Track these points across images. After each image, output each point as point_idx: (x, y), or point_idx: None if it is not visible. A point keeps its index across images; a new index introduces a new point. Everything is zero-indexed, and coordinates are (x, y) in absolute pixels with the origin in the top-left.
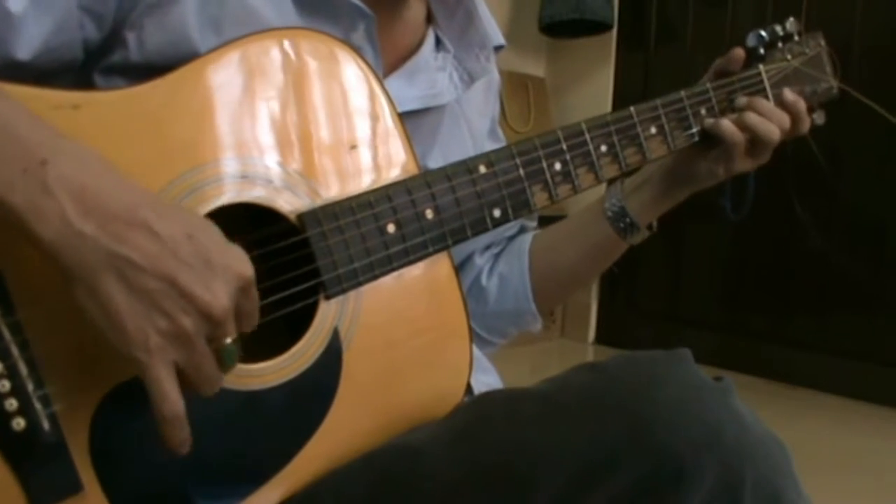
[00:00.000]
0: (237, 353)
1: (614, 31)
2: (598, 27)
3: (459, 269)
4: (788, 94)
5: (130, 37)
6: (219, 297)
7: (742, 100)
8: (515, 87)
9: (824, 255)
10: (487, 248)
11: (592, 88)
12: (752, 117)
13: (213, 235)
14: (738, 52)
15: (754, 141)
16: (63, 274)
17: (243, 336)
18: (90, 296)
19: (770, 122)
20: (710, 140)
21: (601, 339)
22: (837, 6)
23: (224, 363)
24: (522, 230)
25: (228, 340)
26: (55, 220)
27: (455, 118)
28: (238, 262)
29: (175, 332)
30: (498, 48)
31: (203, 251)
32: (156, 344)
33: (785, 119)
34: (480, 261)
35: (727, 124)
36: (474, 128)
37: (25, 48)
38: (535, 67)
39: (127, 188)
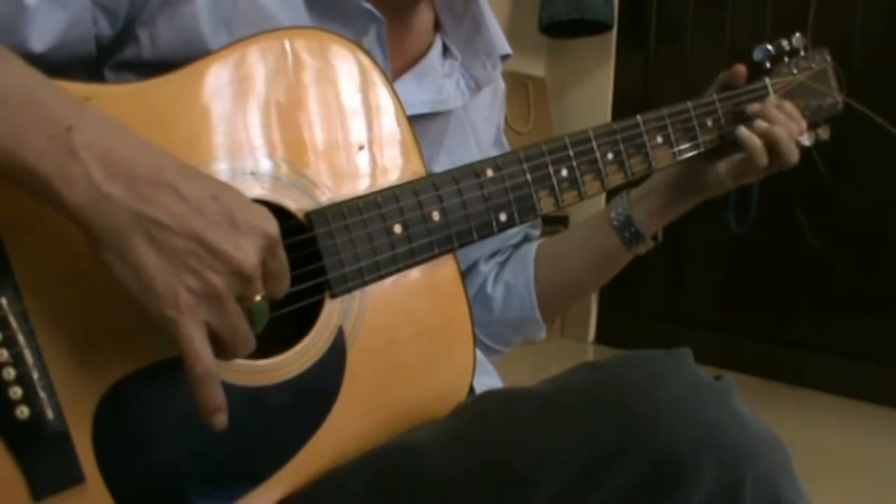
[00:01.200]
0: (267, 310)
1: (614, 31)
2: (598, 27)
3: (465, 276)
4: (787, 106)
5: (143, 34)
6: (247, 253)
7: (772, 108)
8: (515, 87)
9: (824, 256)
10: (493, 255)
11: (592, 88)
12: (780, 133)
13: (237, 196)
14: (740, 68)
15: (776, 153)
16: (91, 239)
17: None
18: (120, 258)
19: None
20: (717, 150)
21: (601, 339)
22: (839, 8)
23: (255, 321)
24: (527, 238)
25: (258, 298)
26: (83, 184)
27: (461, 125)
28: (263, 220)
29: (205, 290)
30: (504, 57)
31: (228, 210)
32: (186, 302)
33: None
34: (486, 268)
35: (753, 138)
36: (480, 135)
37: (39, 40)
38: (535, 67)
39: (150, 151)
